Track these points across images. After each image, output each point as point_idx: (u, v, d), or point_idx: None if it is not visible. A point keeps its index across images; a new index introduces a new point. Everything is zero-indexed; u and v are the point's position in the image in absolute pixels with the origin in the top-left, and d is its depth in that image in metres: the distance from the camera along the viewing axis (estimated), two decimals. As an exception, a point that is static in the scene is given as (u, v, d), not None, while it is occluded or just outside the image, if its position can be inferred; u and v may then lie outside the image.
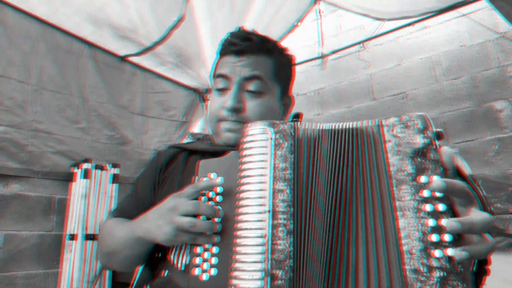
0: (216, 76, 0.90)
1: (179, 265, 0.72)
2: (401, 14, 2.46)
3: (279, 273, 0.53)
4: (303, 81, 3.04)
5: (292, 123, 0.62)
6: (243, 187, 0.59)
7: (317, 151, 0.60)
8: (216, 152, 0.83)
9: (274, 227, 0.55)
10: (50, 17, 2.16)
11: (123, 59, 2.60)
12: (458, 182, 0.51)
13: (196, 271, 0.59)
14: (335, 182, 0.57)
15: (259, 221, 0.55)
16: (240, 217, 0.57)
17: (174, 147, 0.95)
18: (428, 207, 0.51)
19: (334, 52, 2.90)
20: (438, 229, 0.50)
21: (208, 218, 0.62)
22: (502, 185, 1.77)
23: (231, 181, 0.62)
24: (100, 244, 0.88)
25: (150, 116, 2.76)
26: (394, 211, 0.52)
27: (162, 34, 2.40)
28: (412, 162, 0.54)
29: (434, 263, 0.48)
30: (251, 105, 0.86)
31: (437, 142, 0.55)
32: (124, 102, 2.59)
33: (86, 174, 2.20)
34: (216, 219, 0.62)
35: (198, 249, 0.61)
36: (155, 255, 0.81)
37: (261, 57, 0.88)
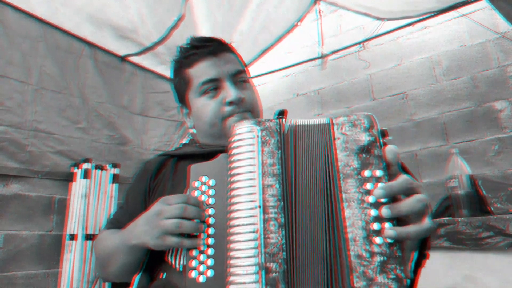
0: (204, 82, 0.91)
1: (177, 266, 0.72)
2: (401, 14, 2.46)
3: (273, 266, 0.54)
4: (303, 81, 3.04)
5: (277, 120, 0.64)
6: (234, 185, 0.60)
7: (300, 146, 0.62)
8: (205, 154, 0.84)
9: (265, 221, 0.56)
10: (50, 17, 2.17)
11: (123, 59, 2.61)
12: (395, 184, 0.56)
13: (193, 274, 0.60)
14: (311, 176, 0.60)
15: (250, 216, 0.57)
16: (232, 214, 0.58)
17: (162, 155, 0.97)
18: (370, 199, 0.55)
19: (334, 52, 2.90)
20: (380, 219, 0.54)
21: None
22: (502, 185, 1.77)
23: (223, 183, 0.64)
24: (96, 257, 0.90)
25: (150, 116, 2.77)
26: (341, 202, 0.57)
27: (162, 34, 2.41)
28: (358, 157, 0.58)
29: (375, 249, 0.53)
30: (247, 94, 0.92)
31: (381, 140, 0.59)
32: (124, 102, 2.60)
33: (86, 174, 2.21)
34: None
35: (194, 252, 0.62)
36: (153, 258, 0.81)
37: (231, 54, 0.96)
